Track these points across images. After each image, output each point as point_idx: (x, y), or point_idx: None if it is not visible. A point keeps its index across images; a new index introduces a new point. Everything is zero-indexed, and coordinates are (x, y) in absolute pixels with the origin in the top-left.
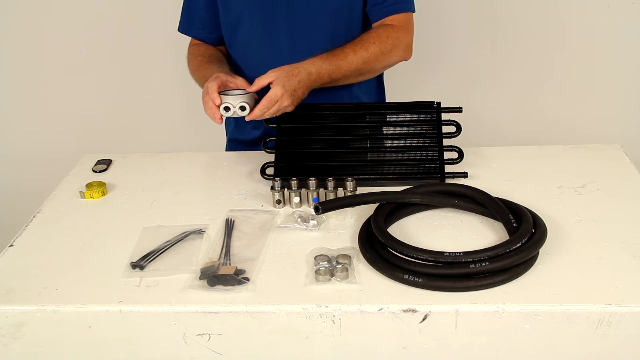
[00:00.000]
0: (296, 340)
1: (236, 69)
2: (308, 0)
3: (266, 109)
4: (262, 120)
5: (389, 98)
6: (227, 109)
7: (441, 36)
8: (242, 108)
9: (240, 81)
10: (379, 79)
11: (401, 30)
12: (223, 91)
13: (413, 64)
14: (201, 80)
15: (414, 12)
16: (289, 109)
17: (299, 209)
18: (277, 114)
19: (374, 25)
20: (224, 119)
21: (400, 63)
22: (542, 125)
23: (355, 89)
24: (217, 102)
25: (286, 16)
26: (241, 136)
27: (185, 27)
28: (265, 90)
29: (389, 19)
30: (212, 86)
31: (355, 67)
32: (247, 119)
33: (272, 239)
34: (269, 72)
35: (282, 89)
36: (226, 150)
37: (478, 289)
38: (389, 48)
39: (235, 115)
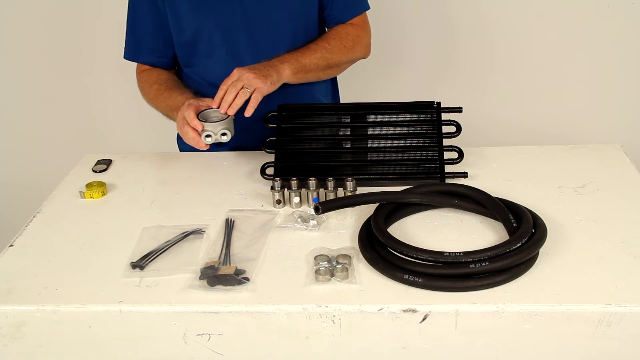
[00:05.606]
0: (296, 340)
1: (197, 87)
2: (265, 9)
3: (222, 92)
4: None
5: (391, 98)
6: (208, 136)
7: (441, 36)
8: (224, 134)
9: (210, 102)
10: (334, 81)
11: (360, 29)
12: (201, 114)
13: (414, 64)
14: (165, 110)
15: (368, 9)
16: (262, 86)
17: (299, 209)
18: (253, 96)
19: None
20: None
21: (401, 62)
22: (542, 125)
23: (316, 90)
24: (200, 128)
25: (245, 27)
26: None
27: (132, 54)
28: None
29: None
30: (190, 114)
31: (321, 55)
32: (217, 108)
33: (272, 239)
34: None
35: (236, 70)
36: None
37: (478, 289)
38: (350, 44)
39: (216, 141)
